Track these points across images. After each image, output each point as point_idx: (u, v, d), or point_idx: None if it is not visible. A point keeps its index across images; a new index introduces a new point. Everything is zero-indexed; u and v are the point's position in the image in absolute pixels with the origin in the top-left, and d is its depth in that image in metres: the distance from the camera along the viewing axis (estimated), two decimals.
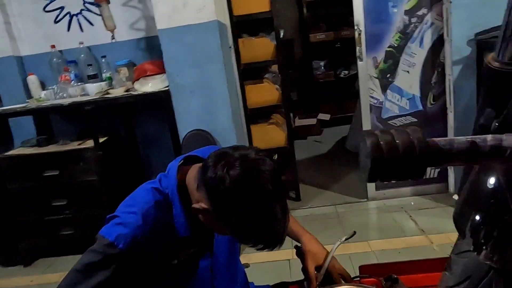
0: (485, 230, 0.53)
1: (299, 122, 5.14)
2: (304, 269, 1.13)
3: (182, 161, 1.02)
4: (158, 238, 0.94)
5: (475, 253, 0.54)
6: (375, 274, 1.19)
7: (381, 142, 0.41)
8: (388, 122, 2.83)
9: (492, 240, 0.52)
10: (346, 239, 1.15)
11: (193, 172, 0.94)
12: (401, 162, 0.39)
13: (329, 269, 1.09)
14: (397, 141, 0.41)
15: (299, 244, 1.20)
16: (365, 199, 2.98)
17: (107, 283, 0.89)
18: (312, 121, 5.11)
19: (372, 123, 2.84)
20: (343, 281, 1.09)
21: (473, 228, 0.56)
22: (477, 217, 0.55)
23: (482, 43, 2.41)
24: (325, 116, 5.24)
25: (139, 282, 0.97)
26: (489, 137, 0.45)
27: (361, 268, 1.21)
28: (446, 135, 2.75)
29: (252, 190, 0.82)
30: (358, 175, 3.41)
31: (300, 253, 1.17)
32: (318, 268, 1.10)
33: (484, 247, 0.52)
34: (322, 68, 5.32)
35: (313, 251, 1.13)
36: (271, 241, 0.88)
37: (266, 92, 2.99)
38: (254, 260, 2.34)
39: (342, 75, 5.29)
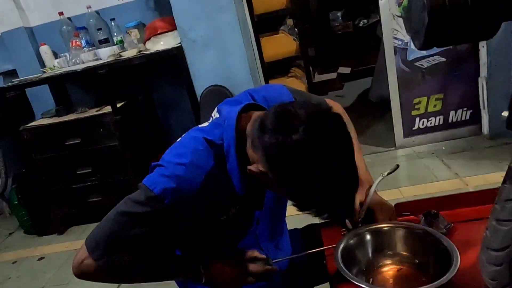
0: None
1: (318, 77, 4.96)
2: None
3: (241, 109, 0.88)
4: (208, 194, 0.85)
5: None
6: (412, 211, 1.12)
7: None
8: (415, 64, 2.66)
9: None
10: (388, 173, 1.07)
11: (253, 124, 0.81)
12: (469, 11, 0.29)
13: (371, 206, 1.02)
14: None
15: None
16: (393, 148, 2.87)
17: (148, 236, 0.84)
18: (332, 75, 4.93)
19: (397, 67, 2.67)
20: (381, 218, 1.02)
21: None
22: None
23: None
24: (346, 70, 5.04)
25: (184, 236, 0.93)
26: None
27: (397, 206, 1.14)
28: (478, 74, 2.57)
29: (318, 160, 0.72)
30: (384, 124, 3.28)
31: None
32: (361, 204, 1.04)
33: None
34: (340, 19, 5.06)
35: (362, 186, 1.05)
36: (338, 212, 0.82)
37: (282, 44, 2.86)
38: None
39: (361, 25, 5.03)
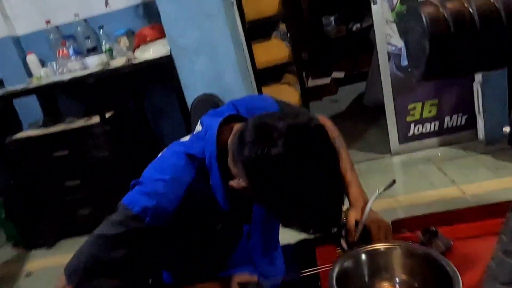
0: None
1: (312, 82, 4.92)
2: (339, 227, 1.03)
3: (222, 120, 0.86)
4: (191, 211, 0.81)
5: None
6: (410, 228, 1.07)
7: (444, 12, 0.26)
8: (409, 70, 2.62)
9: None
10: (384, 189, 1.02)
11: (233, 137, 0.79)
12: (478, 37, 0.24)
13: (367, 224, 0.97)
14: (470, 8, 0.26)
15: None
16: (389, 154, 2.83)
17: (129, 258, 0.79)
18: (326, 80, 4.89)
19: (391, 72, 2.64)
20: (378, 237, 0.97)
21: None
22: None
23: None
24: (340, 74, 5.00)
25: (168, 255, 0.88)
26: None
27: (394, 223, 1.09)
28: (473, 79, 2.54)
29: (298, 174, 0.69)
30: (379, 130, 3.24)
31: None
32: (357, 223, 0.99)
33: None
34: (333, 23, 5.04)
35: (357, 204, 1.02)
36: (322, 226, 0.79)
37: (275, 50, 2.82)
38: None
39: (354, 29, 5.01)
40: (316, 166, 0.70)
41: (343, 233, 1.01)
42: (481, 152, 2.53)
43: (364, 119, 3.64)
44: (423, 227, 1.02)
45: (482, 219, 1.06)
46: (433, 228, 1.01)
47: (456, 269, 0.80)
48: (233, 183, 0.77)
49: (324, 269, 0.94)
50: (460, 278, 0.78)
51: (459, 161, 2.52)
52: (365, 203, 1.01)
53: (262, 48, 2.78)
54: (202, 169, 0.82)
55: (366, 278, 0.90)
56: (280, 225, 0.78)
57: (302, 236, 1.24)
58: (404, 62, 2.61)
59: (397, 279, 0.89)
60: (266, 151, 0.68)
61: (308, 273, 0.98)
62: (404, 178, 2.56)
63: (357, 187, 1.08)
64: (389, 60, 2.61)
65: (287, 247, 1.24)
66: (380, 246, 0.93)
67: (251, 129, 0.73)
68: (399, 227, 1.08)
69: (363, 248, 0.93)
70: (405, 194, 2.28)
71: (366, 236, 0.99)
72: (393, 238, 1.00)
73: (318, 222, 0.77)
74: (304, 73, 4.17)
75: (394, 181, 1.07)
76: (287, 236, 1.23)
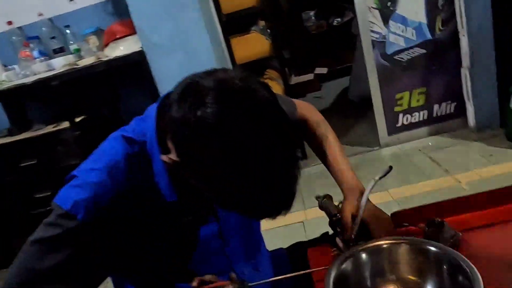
0: None
1: (295, 79, 4.83)
2: (333, 223, 0.88)
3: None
4: (135, 202, 0.70)
5: None
6: (411, 221, 0.95)
7: None
8: (395, 57, 2.52)
9: None
10: (381, 178, 0.89)
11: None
12: None
13: (364, 218, 0.84)
14: None
15: (320, 194, 0.96)
16: (378, 147, 2.72)
17: (67, 264, 0.65)
18: (309, 76, 4.80)
19: (376, 62, 2.53)
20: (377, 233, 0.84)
21: None
22: None
23: None
24: (323, 70, 4.92)
25: (116, 257, 0.73)
26: None
27: (394, 216, 0.97)
28: (460, 64, 2.45)
29: (234, 139, 0.55)
30: (366, 123, 3.14)
31: (323, 205, 0.93)
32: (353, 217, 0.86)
33: None
34: (313, 18, 4.95)
35: (351, 196, 0.89)
36: (267, 211, 0.62)
37: (255, 44, 2.69)
38: (265, 227, 2.10)
39: (335, 23, 4.93)
40: (257, 130, 0.56)
41: (338, 230, 0.87)
42: (472, 139, 2.44)
43: (350, 113, 3.55)
44: (427, 219, 0.90)
45: (493, 206, 0.95)
46: (438, 219, 0.90)
47: (474, 266, 0.68)
48: (164, 157, 0.63)
49: (318, 270, 0.81)
50: (480, 276, 0.65)
51: (451, 149, 2.42)
52: (361, 193, 0.88)
53: (241, 43, 2.64)
54: (143, 153, 0.69)
55: (368, 282, 0.77)
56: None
57: (294, 239, 1.11)
58: (389, 50, 2.51)
59: (405, 281, 0.76)
60: (192, 110, 0.55)
61: (300, 275, 0.84)
62: (396, 170, 2.45)
63: (350, 175, 0.96)
64: (373, 48, 2.50)
65: (279, 251, 1.11)
66: (382, 242, 0.80)
67: (178, 89, 0.61)
68: (399, 220, 0.95)
69: (363, 246, 0.79)
70: (398, 187, 2.17)
71: (364, 232, 0.86)
72: (395, 233, 0.87)
73: (264, 203, 0.60)
74: (286, 70, 4.07)
75: (390, 167, 0.94)
76: (280, 242, 1.12)
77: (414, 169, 2.34)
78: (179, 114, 0.58)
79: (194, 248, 0.79)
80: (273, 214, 0.62)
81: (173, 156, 0.62)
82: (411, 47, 2.49)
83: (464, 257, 0.70)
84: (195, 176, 0.61)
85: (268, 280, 0.83)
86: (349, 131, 3.18)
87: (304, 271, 0.83)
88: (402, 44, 2.50)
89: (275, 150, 0.57)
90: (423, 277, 0.75)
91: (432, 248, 0.75)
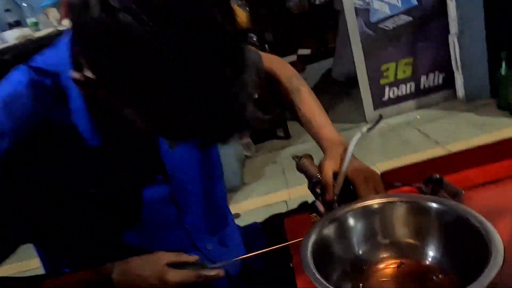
0: None
1: None
2: (313, 185, 0.73)
3: None
4: (47, 151, 0.54)
5: None
6: (404, 181, 0.81)
7: None
8: (379, 26, 2.37)
9: None
10: (369, 129, 0.75)
11: None
12: None
13: (349, 175, 0.69)
14: None
15: (298, 154, 0.82)
16: (364, 122, 2.59)
17: None
18: (292, 58, 4.64)
19: (360, 31, 2.38)
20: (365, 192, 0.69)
21: None
22: None
23: None
24: (306, 51, 4.79)
25: (32, 224, 0.58)
26: None
27: (384, 175, 0.83)
28: (447, 31, 2.32)
29: (154, 46, 0.39)
30: (351, 101, 3.01)
31: (302, 166, 0.78)
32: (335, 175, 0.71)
33: None
34: None
35: (333, 151, 0.74)
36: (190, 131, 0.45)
37: None
38: (245, 208, 1.96)
39: (317, 2, 4.77)
40: (181, 35, 0.39)
41: (318, 191, 0.72)
42: (462, 110, 2.33)
43: (334, 92, 3.43)
44: (423, 177, 0.77)
45: (497, 160, 0.82)
46: (437, 176, 0.76)
47: (490, 224, 0.53)
48: (76, 74, 0.46)
49: (295, 243, 0.66)
50: (499, 238, 0.50)
51: (440, 121, 2.30)
52: (345, 149, 0.73)
53: None
54: (57, 88, 0.53)
55: (356, 249, 0.62)
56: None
57: (272, 212, 0.97)
58: (374, 18, 2.36)
59: (401, 245, 0.61)
60: (108, 15, 0.39)
61: (274, 250, 0.68)
62: (384, 145, 2.33)
63: (331, 129, 0.81)
64: (357, 16, 2.35)
65: (252, 226, 0.95)
66: (372, 202, 0.64)
67: None
68: (392, 180, 0.81)
69: (348, 207, 0.64)
70: (387, 161, 2.04)
71: (350, 192, 0.71)
72: (386, 193, 0.72)
73: (190, 121, 0.43)
74: (269, 51, 3.92)
75: (380, 117, 0.80)
76: (253, 217, 0.97)
77: (402, 143, 2.21)
78: (94, 19, 0.41)
79: (137, 217, 0.63)
80: (208, 136, 0.46)
81: (88, 72, 0.45)
82: (396, 14, 2.35)
83: (477, 213, 0.55)
84: (115, 96, 0.44)
85: (231, 260, 0.67)
86: (333, 108, 3.05)
87: (277, 246, 0.67)
88: (386, 11, 2.35)
89: (202, 60, 0.40)
90: (423, 240, 0.60)
91: (434, 205, 0.61)
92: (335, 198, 0.67)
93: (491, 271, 0.46)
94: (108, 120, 0.51)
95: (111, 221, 0.61)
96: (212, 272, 0.63)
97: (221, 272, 0.63)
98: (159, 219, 0.67)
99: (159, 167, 0.63)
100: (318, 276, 0.52)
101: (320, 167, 0.72)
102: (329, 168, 0.71)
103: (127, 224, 0.62)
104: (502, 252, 0.48)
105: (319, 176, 0.73)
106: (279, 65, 0.90)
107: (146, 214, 0.64)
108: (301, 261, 0.55)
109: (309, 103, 0.86)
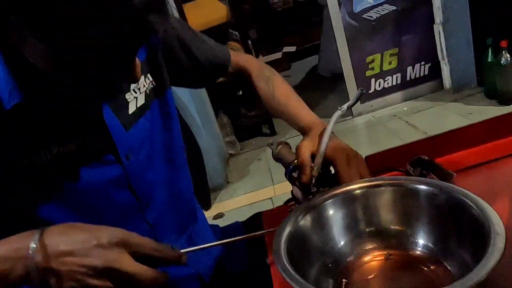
0: None
1: (263, 59, 4.59)
2: (290, 171, 0.66)
3: None
4: None
5: None
6: (390, 164, 0.75)
7: None
8: (363, 16, 2.32)
9: None
10: (350, 106, 0.69)
11: None
12: None
13: (328, 156, 0.62)
14: None
15: (272, 141, 0.75)
16: (350, 117, 2.52)
17: None
18: (278, 55, 4.59)
19: (344, 22, 2.32)
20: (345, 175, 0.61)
21: None
22: None
23: None
24: (291, 48, 4.72)
25: None
26: None
27: (368, 159, 0.76)
28: (432, 20, 2.27)
29: None
30: (337, 96, 2.96)
31: (278, 154, 0.71)
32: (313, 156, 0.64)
33: None
34: None
35: (311, 132, 0.68)
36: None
37: (210, 10, 2.44)
38: (229, 207, 1.88)
39: None
40: None
41: (295, 175, 0.64)
42: (449, 100, 2.28)
43: (320, 88, 3.38)
44: (410, 160, 0.70)
45: (489, 140, 0.76)
46: (426, 157, 0.69)
47: (488, 204, 0.46)
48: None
49: (269, 232, 0.58)
50: (500, 220, 0.43)
51: (427, 112, 2.25)
52: (323, 129, 0.66)
53: (194, 9, 2.38)
54: None
55: (338, 239, 0.54)
56: None
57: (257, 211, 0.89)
58: (357, 8, 2.30)
59: (388, 233, 0.54)
60: None
61: (246, 238, 0.59)
62: (372, 138, 2.27)
63: (309, 112, 0.76)
64: (339, 7, 2.29)
65: (233, 225, 0.88)
66: (354, 186, 0.57)
67: None
68: (376, 164, 0.74)
69: (327, 193, 0.57)
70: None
71: (330, 176, 0.64)
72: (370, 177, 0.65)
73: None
74: (253, 50, 3.85)
75: (362, 91, 0.74)
76: (237, 217, 0.89)
77: (390, 135, 2.15)
78: None
79: (82, 197, 0.54)
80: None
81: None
82: (380, 4, 2.29)
83: (473, 194, 0.48)
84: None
85: (201, 246, 0.57)
86: (319, 104, 2.99)
87: (248, 235, 0.59)
88: (370, 0, 2.29)
89: None
90: (412, 227, 0.53)
91: (423, 187, 0.54)
92: (313, 180, 0.60)
93: (492, 258, 0.39)
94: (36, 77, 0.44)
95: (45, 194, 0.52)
96: (174, 253, 0.50)
97: (184, 258, 0.52)
98: (116, 208, 0.59)
99: (107, 143, 0.55)
100: (292, 271, 0.44)
101: (296, 150, 0.65)
102: (306, 148, 0.63)
103: (68, 203, 0.53)
104: (504, 236, 0.41)
105: (296, 161, 0.66)
106: (249, 60, 0.86)
107: (95, 197, 0.55)
108: (273, 255, 0.47)
109: (283, 88, 0.81)
